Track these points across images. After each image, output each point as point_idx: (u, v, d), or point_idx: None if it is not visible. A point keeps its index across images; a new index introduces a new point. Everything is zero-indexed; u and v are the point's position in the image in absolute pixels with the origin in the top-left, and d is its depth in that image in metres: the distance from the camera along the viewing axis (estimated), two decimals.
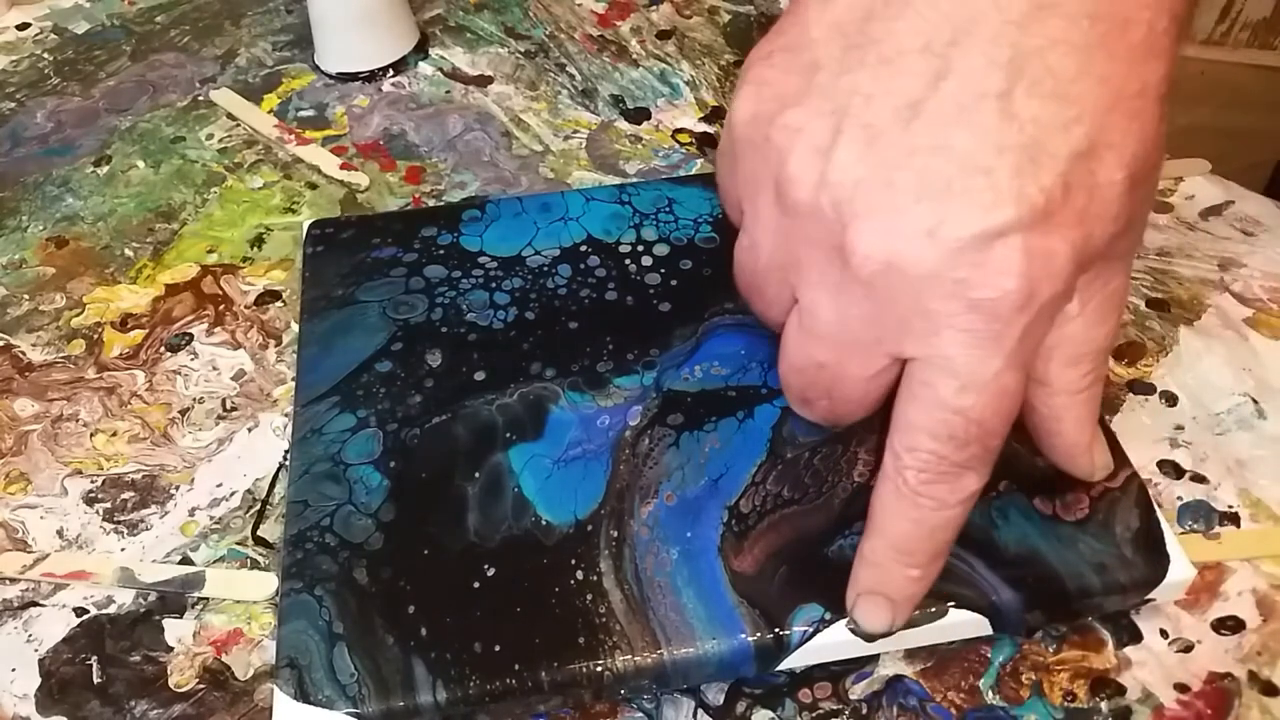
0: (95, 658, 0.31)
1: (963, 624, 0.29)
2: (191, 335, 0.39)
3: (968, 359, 0.24)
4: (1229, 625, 0.31)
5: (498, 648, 0.28)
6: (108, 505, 0.34)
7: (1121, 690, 0.30)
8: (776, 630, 0.28)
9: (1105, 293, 0.26)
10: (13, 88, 0.50)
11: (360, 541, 0.30)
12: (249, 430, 0.36)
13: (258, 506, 0.34)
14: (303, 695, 0.27)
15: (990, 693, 0.30)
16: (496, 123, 0.48)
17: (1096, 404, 0.28)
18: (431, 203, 0.44)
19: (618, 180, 0.44)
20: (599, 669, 0.27)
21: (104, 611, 0.32)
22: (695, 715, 0.30)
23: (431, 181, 0.45)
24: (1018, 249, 0.23)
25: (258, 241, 0.42)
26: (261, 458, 0.35)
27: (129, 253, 0.42)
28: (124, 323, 0.40)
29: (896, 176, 0.24)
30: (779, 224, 0.27)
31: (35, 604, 0.32)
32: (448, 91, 0.49)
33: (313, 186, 0.45)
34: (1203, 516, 0.33)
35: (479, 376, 0.34)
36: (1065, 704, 0.29)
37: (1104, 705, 0.29)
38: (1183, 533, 0.33)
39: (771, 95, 0.26)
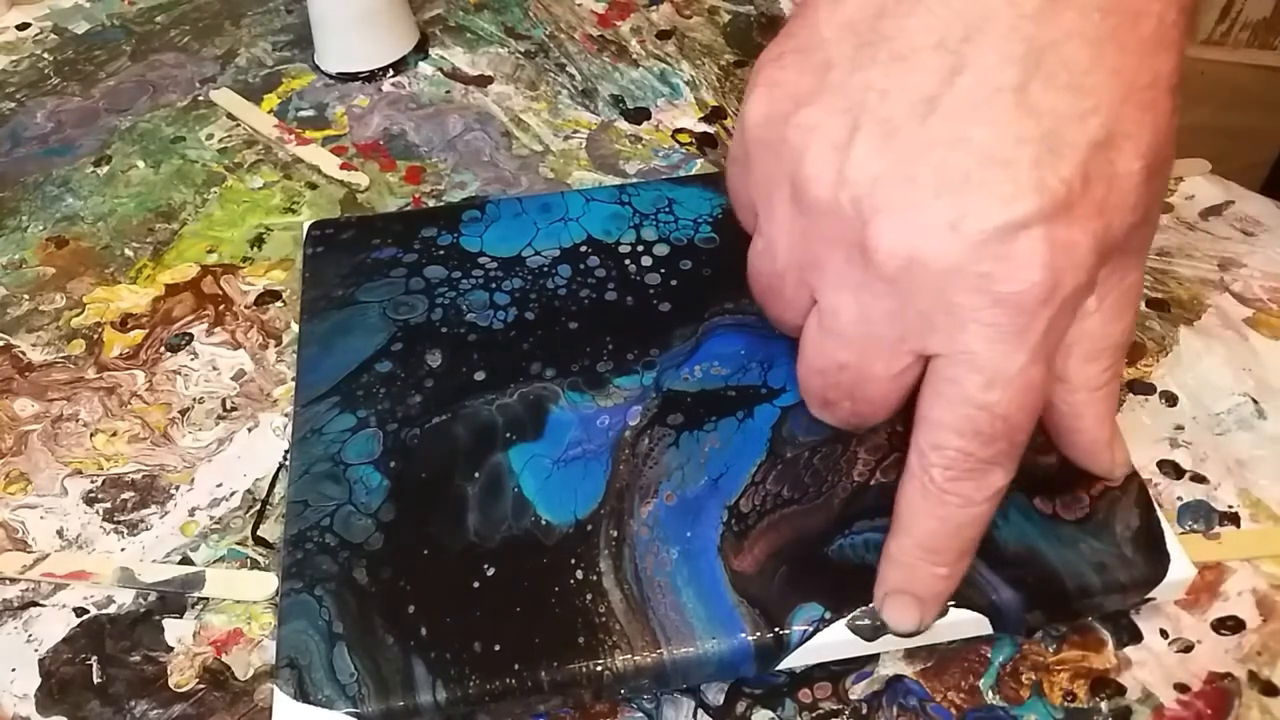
0: (95, 658, 0.31)
1: (963, 624, 0.29)
2: (191, 335, 0.39)
3: (993, 354, 0.24)
4: (1229, 625, 0.31)
5: (498, 648, 0.28)
6: (108, 505, 0.34)
7: (1121, 690, 0.30)
8: (776, 630, 0.28)
9: (1122, 287, 0.26)
10: (13, 88, 0.50)
11: (360, 541, 0.30)
12: (249, 430, 0.36)
13: (258, 506, 0.34)
14: (303, 695, 0.27)
15: (990, 693, 0.30)
16: (496, 123, 0.48)
17: (1115, 400, 0.28)
18: (431, 203, 0.44)
19: (618, 180, 0.44)
20: (599, 669, 0.27)
21: (104, 611, 0.32)
22: (695, 715, 0.30)
23: (431, 181, 0.45)
24: (1040, 240, 0.23)
25: (258, 241, 0.43)
26: (261, 458, 0.35)
27: (129, 253, 0.42)
28: (124, 323, 0.40)
29: (916, 171, 0.24)
30: (795, 224, 0.26)
31: (35, 604, 0.32)
32: (448, 91, 0.49)
33: (313, 186, 0.45)
34: (1203, 516, 0.33)
35: (479, 376, 0.34)
36: (1065, 704, 0.29)
37: (1104, 705, 0.29)
38: (1183, 533, 0.33)
39: (785, 96, 0.26)
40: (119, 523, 0.34)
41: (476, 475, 0.31)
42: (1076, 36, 0.24)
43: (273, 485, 0.35)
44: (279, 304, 0.40)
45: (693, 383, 0.33)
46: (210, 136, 0.47)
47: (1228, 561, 0.32)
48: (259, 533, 0.33)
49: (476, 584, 0.29)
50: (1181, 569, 0.29)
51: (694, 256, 0.37)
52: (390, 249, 0.38)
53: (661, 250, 0.38)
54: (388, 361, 0.34)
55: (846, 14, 0.26)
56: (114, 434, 0.36)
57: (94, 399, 0.37)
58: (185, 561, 0.33)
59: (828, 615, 0.28)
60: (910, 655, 0.30)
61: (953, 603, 0.28)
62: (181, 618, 0.32)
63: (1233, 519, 0.33)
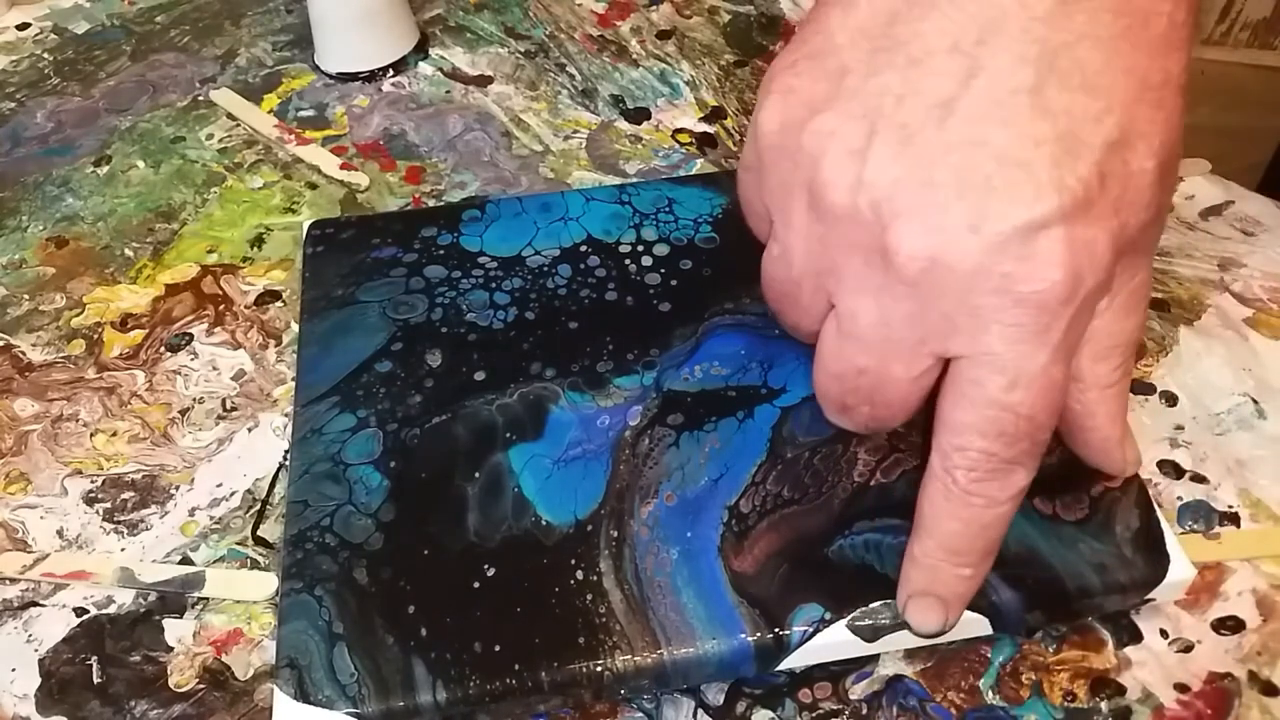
0: (95, 658, 0.31)
1: (963, 624, 0.28)
2: (191, 335, 0.39)
3: (1016, 354, 0.24)
4: (1229, 625, 0.31)
5: (498, 648, 0.28)
6: (108, 505, 0.34)
7: (1121, 690, 0.30)
8: (776, 630, 0.28)
9: (1132, 285, 0.27)
10: (13, 88, 0.50)
11: (360, 541, 0.30)
12: (249, 430, 0.36)
13: (258, 506, 0.34)
14: (303, 695, 0.27)
15: (990, 693, 0.30)
16: (496, 123, 0.48)
17: (1126, 398, 0.28)
18: (431, 203, 0.44)
19: (618, 180, 0.44)
20: (599, 669, 0.27)
21: (104, 611, 0.32)
22: (695, 715, 0.30)
23: (431, 181, 0.45)
24: (1061, 240, 0.23)
25: (258, 241, 0.43)
26: (261, 458, 0.35)
27: (129, 253, 0.42)
28: (124, 323, 0.40)
29: (935, 174, 0.24)
30: (813, 230, 0.26)
31: (35, 604, 0.32)
32: (448, 91, 0.49)
33: (313, 186, 0.45)
34: (1203, 516, 0.33)
35: (479, 376, 0.34)
36: (1065, 704, 0.29)
37: (1104, 705, 0.29)
38: (1183, 533, 0.33)
39: (799, 102, 0.26)
40: (119, 523, 0.34)
41: (476, 475, 0.31)
42: (1089, 38, 0.24)
43: (273, 485, 0.35)
44: (279, 304, 0.40)
45: (693, 383, 0.33)
46: (210, 136, 0.47)
47: (1228, 561, 0.32)
48: (259, 533, 0.33)
49: (476, 584, 0.29)
50: (1181, 569, 0.29)
51: (694, 256, 0.37)
52: (390, 249, 0.38)
53: (661, 250, 0.38)
54: (388, 361, 0.34)
55: (859, 19, 0.26)
56: (114, 434, 0.36)
57: (94, 399, 0.37)
58: (185, 561, 0.33)
59: (828, 615, 0.28)
60: (910, 655, 0.30)
61: None
62: (181, 618, 0.32)
63: (1233, 519, 0.33)
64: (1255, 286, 0.39)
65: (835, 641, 0.28)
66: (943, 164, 0.24)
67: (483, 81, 0.50)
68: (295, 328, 0.39)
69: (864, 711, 0.29)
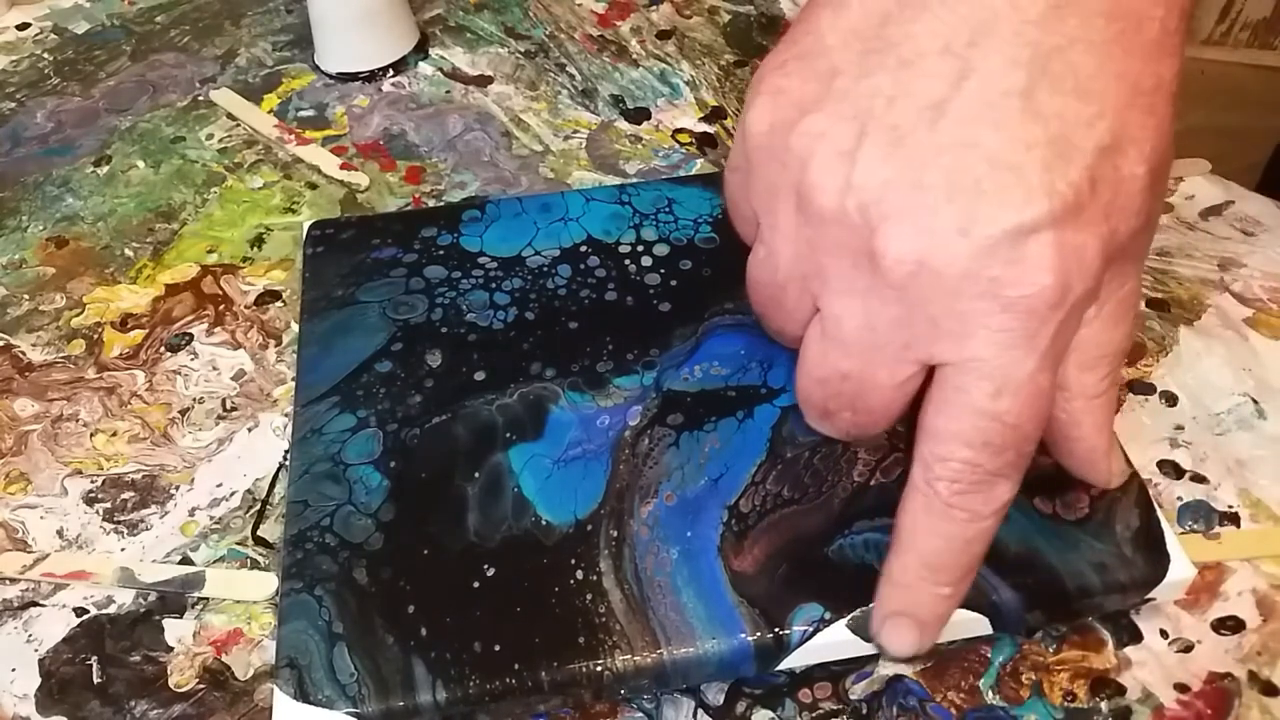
0: (95, 658, 0.31)
1: (963, 624, 0.29)
2: (191, 335, 0.39)
3: (1002, 360, 0.24)
4: (1229, 625, 0.31)
5: (498, 648, 0.28)
6: (108, 505, 0.34)
7: (1121, 690, 0.30)
8: (776, 630, 0.28)
9: (1121, 294, 0.26)
10: (13, 88, 0.50)
11: (360, 541, 0.30)
12: (249, 430, 0.36)
13: (258, 506, 0.34)
14: (303, 695, 0.27)
15: (990, 693, 0.30)
16: (496, 123, 0.48)
17: (1113, 408, 0.28)
18: (431, 203, 0.44)
19: (618, 180, 0.44)
20: (599, 669, 0.27)
21: (104, 611, 0.32)
22: (695, 715, 0.30)
23: (431, 181, 0.45)
24: (1050, 244, 0.23)
25: (258, 241, 0.43)
26: (261, 458, 0.35)
27: (129, 253, 0.42)
28: (124, 323, 0.40)
29: (925, 177, 0.24)
30: (800, 233, 0.26)
31: (35, 604, 0.32)
32: (448, 91, 0.49)
33: (313, 186, 0.45)
34: (1203, 516, 0.33)
35: (479, 376, 0.34)
36: (1065, 704, 0.29)
37: (1104, 705, 0.29)
38: (1183, 533, 0.33)
39: (789, 103, 0.26)
40: (119, 523, 0.34)
41: (476, 475, 0.31)
42: (1081, 41, 0.24)
43: (273, 485, 0.35)
44: (279, 304, 0.40)
45: (693, 383, 0.33)
46: (210, 136, 0.47)
47: (1228, 561, 0.32)
48: (259, 533, 0.33)
49: (476, 584, 0.29)
50: (1181, 569, 0.29)
51: (694, 256, 0.37)
52: (390, 249, 0.38)
53: (661, 250, 0.38)
54: (388, 361, 0.34)
55: (850, 20, 0.26)
56: (114, 434, 0.36)
57: (94, 399, 0.37)
58: (185, 561, 0.33)
59: (828, 615, 0.28)
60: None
61: None
62: (181, 618, 0.32)
63: (1233, 519, 0.33)
64: (1255, 286, 0.39)
65: (835, 641, 0.28)
66: (933, 166, 0.24)
67: (483, 81, 0.50)
68: (295, 328, 0.39)
69: (864, 711, 0.29)
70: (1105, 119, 0.24)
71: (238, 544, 0.33)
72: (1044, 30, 0.24)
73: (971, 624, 0.29)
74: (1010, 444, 0.25)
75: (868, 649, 0.29)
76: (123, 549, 0.33)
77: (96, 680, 0.30)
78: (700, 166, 0.45)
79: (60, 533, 0.34)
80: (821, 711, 0.29)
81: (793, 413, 0.32)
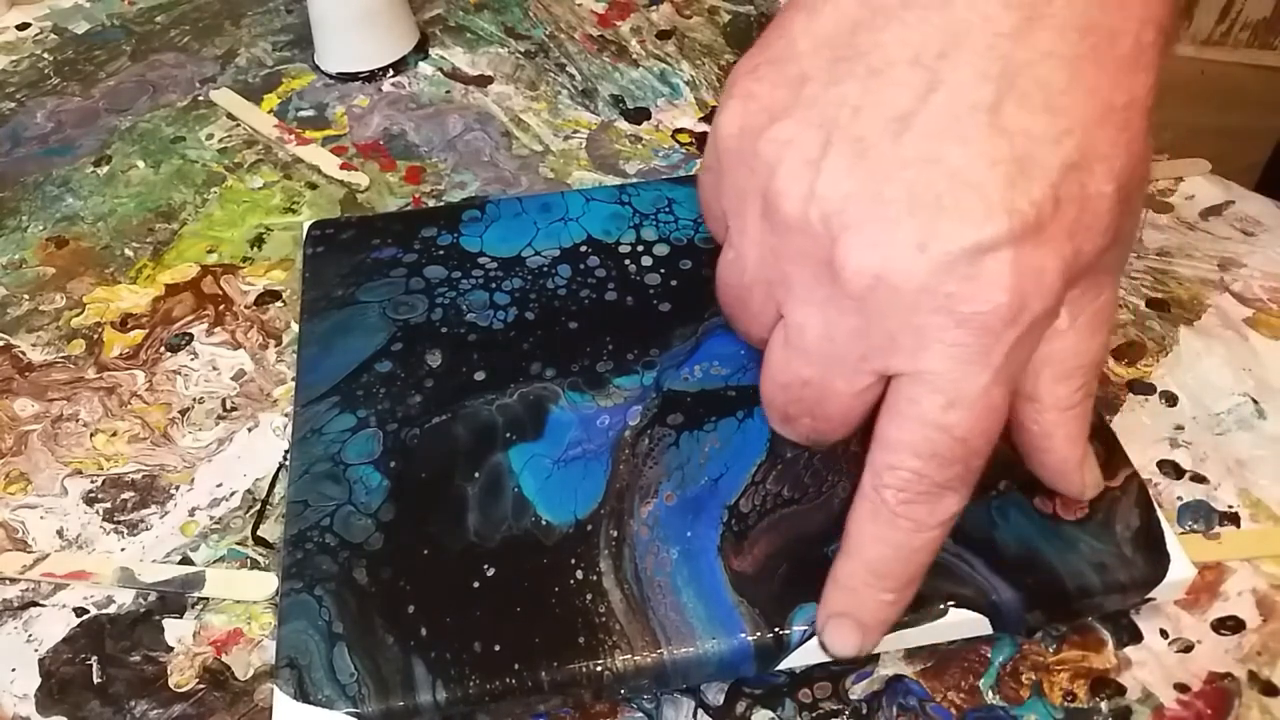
0: (95, 658, 0.31)
1: (963, 624, 0.29)
2: (191, 335, 0.39)
3: (955, 375, 0.24)
4: (1229, 625, 0.31)
5: (498, 648, 0.28)
6: (108, 505, 0.34)
7: (1121, 690, 0.30)
8: (776, 630, 0.28)
9: (1094, 307, 0.26)
10: (13, 88, 0.50)
11: (360, 541, 0.30)
12: (249, 430, 0.36)
13: (258, 506, 0.34)
14: (303, 695, 0.27)
15: (990, 693, 0.30)
16: (496, 123, 0.48)
17: (1087, 420, 0.28)
18: (431, 203, 0.44)
19: (618, 180, 0.44)
20: (599, 669, 0.27)
21: (104, 611, 0.32)
22: (695, 715, 0.30)
23: (431, 181, 0.45)
24: (1008, 263, 0.23)
25: (258, 241, 0.43)
26: (261, 458, 0.35)
27: (129, 253, 0.42)
28: (124, 323, 0.40)
29: (887, 190, 0.24)
30: (765, 238, 0.26)
31: (35, 604, 0.32)
32: (448, 91, 0.49)
33: (313, 186, 0.45)
34: (1203, 516, 0.33)
35: (479, 376, 0.34)
36: (1065, 704, 0.29)
37: (1104, 705, 0.29)
38: (1183, 533, 0.33)
39: (759, 108, 0.26)
40: (119, 523, 0.34)
41: (476, 475, 0.31)
42: (1053, 56, 0.23)
43: (273, 485, 0.35)
44: (279, 304, 0.40)
45: (693, 383, 0.33)
46: (210, 136, 0.47)
47: (1228, 561, 0.32)
48: (259, 533, 0.33)
49: (476, 584, 0.29)
50: (1181, 569, 0.29)
51: (694, 256, 0.37)
52: (390, 249, 0.38)
53: (661, 250, 0.38)
54: (388, 361, 0.34)
55: (822, 27, 0.26)
56: (114, 434, 0.36)
57: (94, 399, 0.37)
58: (185, 561, 0.33)
59: None
60: (910, 655, 0.30)
61: (953, 603, 0.28)
62: (181, 618, 0.32)
63: (1233, 519, 0.33)
64: (1255, 286, 0.39)
65: None
66: (895, 180, 0.24)
67: (483, 81, 0.50)
68: (295, 328, 0.39)
69: (864, 711, 0.29)
70: (1073, 135, 0.23)
71: (238, 544, 0.33)
72: (1015, 43, 0.23)
73: (971, 624, 0.29)
74: (959, 457, 0.25)
75: None
76: (123, 549, 0.33)
77: (96, 680, 0.30)
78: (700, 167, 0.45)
79: (60, 533, 0.34)
80: (821, 711, 0.29)
81: None
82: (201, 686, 0.30)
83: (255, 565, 0.33)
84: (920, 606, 0.28)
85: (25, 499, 0.34)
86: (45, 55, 0.52)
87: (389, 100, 0.49)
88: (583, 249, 0.38)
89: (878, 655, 0.30)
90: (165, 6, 0.55)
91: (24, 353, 0.39)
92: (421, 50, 0.51)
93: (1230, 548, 0.32)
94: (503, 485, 0.31)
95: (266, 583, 0.32)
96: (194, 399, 0.37)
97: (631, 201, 0.39)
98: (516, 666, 0.27)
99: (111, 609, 0.32)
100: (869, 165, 0.24)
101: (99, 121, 0.48)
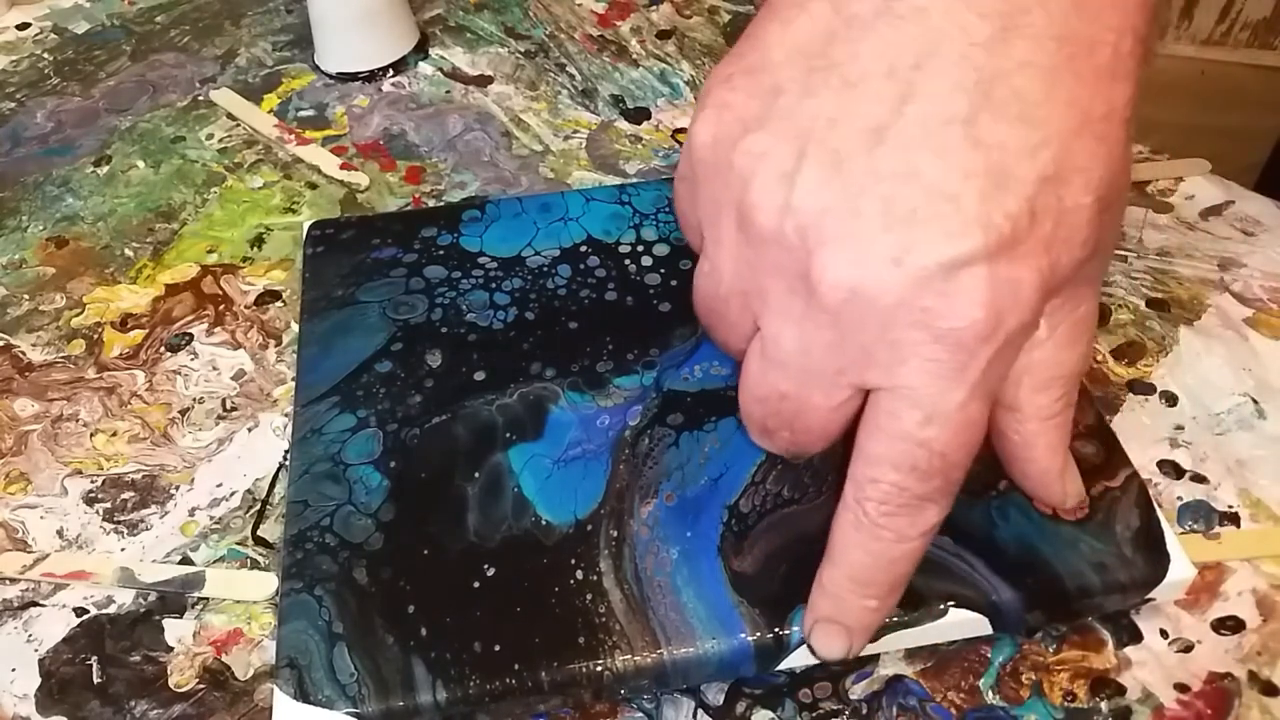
0: (95, 658, 0.31)
1: (963, 624, 0.29)
2: (191, 335, 0.39)
3: (932, 390, 0.24)
4: (1229, 625, 0.31)
5: (498, 648, 0.28)
6: (108, 505, 0.34)
7: (1121, 690, 0.30)
8: (776, 630, 0.28)
9: (1074, 317, 0.26)
10: (13, 88, 0.50)
11: (360, 541, 0.30)
12: (249, 430, 0.36)
13: (258, 506, 0.34)
14: (303, 695, 0.27)
15: (990, 693, 0.30)
16: (496, 123, 0.48)
17: (1068, 430, 0.28)
18: (431, 203, 0.44)
19: (618, 180, 0.44)
20: (599, 669, 0.27)
21: (104, 611, 0.32)
22: (695, 715, 0.30)
23: (431, 181, 0.45)
24: (983, 278, 0.23)
25: (258, 241, 0.43)
26: (261, 458, 0.35)
27: (129, 253, 0.42)
28: (124, 323, 0.40)
29: (862, 204, 0.23)
30: (741, 251, 0.26)
31: (35, 604, 0.32)
32: (448, 91, 0.49)
33: (313, 186, 0.45)
34: (1203, 516, 0.33)
35: (479, 376, 0.34)
36: (1065, 704, 0.29)
37: (1104, 705, 0.29)
38: (1183, 533, 0.33)
39: (733, 119, 0.26)
40: (119, 523, 0.34)
41: (476, 475, 0.31)
42: (1030, 66, 0.23)
43: (273, 485, 0.35)
44: (279, 304, 0.40)
45: (693, 383, 0.33)
46: (210, 136, 0.47)
47: (1228, 561, 0.32)
48: (259, 533, 0.33)
49: (476, 584, 0.29)
50: (1181, 569, 0.29)
51: (694, 256, 0.37)
52: (390, 249, 0.38)
53: (661, 250, 0.38)
54: (388, 361, 0.34)
55: (797, 37, 0.25)
56: (114, 434, 0.36)
57: (94, 399, 0.37)
58: (185, 561, 0.33)
59: None
60: (910, 655, 0.30)
61: (953, 603, 0.28)
62: (181, 618, 0.32)
63: (1233, 519, 0.33)
64: (1255, 286, 0.39)
65: None
66: (870, 193, 0.23)
67: (483, 81, 0.50)
68: (295, 328, 0.39)
69: (864, 711, 0.29)
70: (1050, 147, 0.23)
71: (238, 544, 0.33)
72: (991, 54, 0.23)
73: (971, 624, 0.29)
74: (937, 471, 0.24)
75: (868, 648, 0.29)
76: (123, 549, 0.33)
77: (96, 680, 0.30)
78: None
79: (60, 533, 0.34)
80: (821, 711, 0.29)
81: None
82: (201, 686, 0.30)
83: (255, 565, 0.33)
84: (920, 606, 0.28)
85: (25, 499, 0.34)
86: (45, 55, 0.52)
87: (389, 100, 0.49)
88: (583, 249, 0.38)
89: (877, 655, 0.30)
90: (165, 6, 0.55)
91: (24, 353, 0.39)
92: (421, 50, 0.51)
93: (1230, 548, 0.32)
94: (503, 485, 0.31)
95: (266, 583, 0.32)
96: (194, 399, 0.37)
97: (631, 201, 0.39)
98: (516, 666, 0.27)
99: (111, 609, 0.32)
100: (844, 178, 0.24)
101: (99, 121, 0.48)
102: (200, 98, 0.49)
